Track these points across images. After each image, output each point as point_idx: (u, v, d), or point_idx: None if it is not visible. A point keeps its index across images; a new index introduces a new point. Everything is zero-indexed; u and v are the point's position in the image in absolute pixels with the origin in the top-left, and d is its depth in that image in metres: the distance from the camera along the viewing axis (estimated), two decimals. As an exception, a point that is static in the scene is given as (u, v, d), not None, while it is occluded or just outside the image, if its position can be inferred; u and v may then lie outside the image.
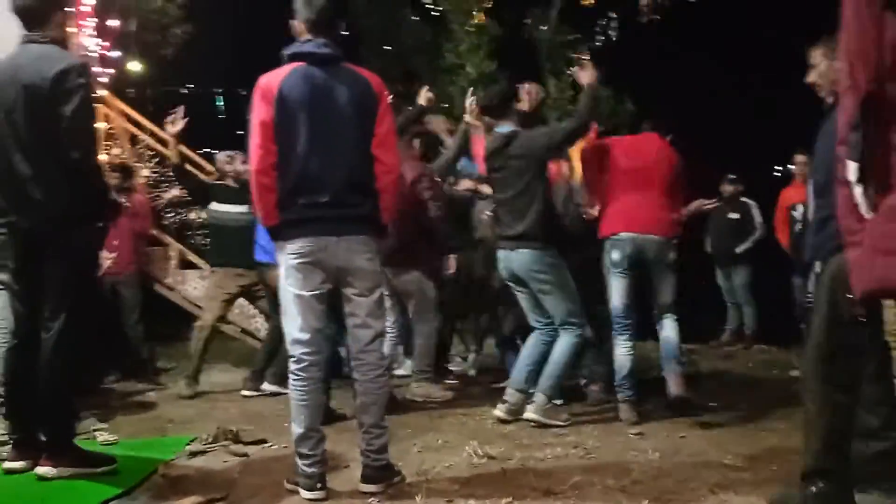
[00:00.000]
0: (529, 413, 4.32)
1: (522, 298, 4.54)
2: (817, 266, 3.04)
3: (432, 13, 13.53)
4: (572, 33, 13.56)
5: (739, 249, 7.86)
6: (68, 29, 3.58)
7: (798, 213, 6.30)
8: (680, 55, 14.32)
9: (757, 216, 7.90)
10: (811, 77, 3.13)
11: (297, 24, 3.25)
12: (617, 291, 4.56)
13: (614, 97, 12.60)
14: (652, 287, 4.67)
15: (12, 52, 3.38)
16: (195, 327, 5.86)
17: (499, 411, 4.42)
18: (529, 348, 4.50)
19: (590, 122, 4.51)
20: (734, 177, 8.09)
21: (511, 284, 4.56)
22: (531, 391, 4.39)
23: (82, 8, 7.65)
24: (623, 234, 4.52)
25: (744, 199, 8.04)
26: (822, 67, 3.07)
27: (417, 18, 14.91)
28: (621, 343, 4.54)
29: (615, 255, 4.53)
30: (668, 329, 4.62)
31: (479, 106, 4.97)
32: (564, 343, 4.36)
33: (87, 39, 8.00)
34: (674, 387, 4.53)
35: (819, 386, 2.81)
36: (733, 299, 8.06)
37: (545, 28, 13.40)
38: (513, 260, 4.41)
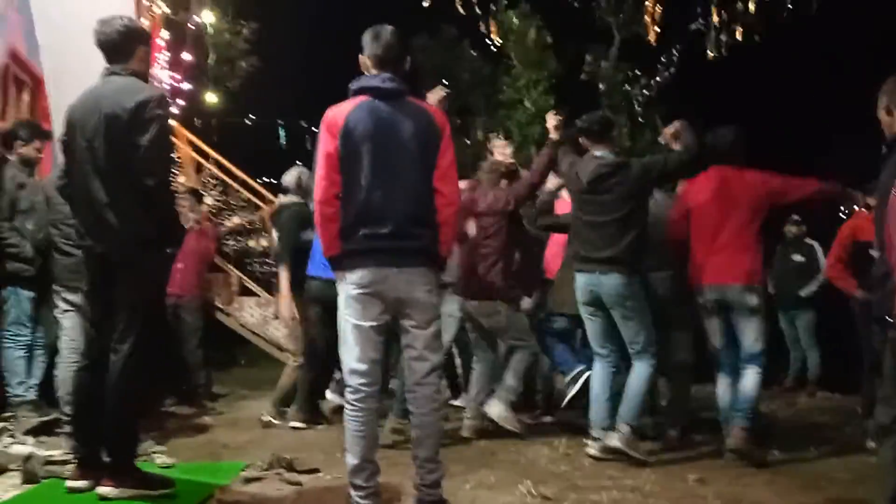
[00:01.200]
0: (614, 442, 4.29)
1: (593, 324, 4.52)
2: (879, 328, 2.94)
3: (492, 48, 13.68)
4: (632, 69, 13.54)
5: (804, 293, 7.65)
6: (149, 63, 3.71)
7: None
8: (742, 91, 14.13)
9: (822, 258, 7.67)
10: (879, 115, 3.05)
11: (365, 59, 3.31)
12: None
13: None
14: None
15: (95, 83, 3.52)
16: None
17: (592, 449, 4.40)
18: (600, 383, 4.49)
19: (697, 154, 4.50)
20: (798, 218, 7.90)
21: (585, 308, 4.54)
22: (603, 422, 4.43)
23: (157, 41, 7.96)
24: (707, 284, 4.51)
25: (808, 240, 7.84)
26: (885, 107, 2.98)
27: (476, 53, 15.08)
28: (722, 379, 4.55)
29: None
30: (747, 380, 4.46)
31: (579, 128, 4.85)
32: (642, 372, 4.37)
33: (160, 72, 8.30)
34: (734, 439, 4.38)
35: (891, 441, 2.71)
36: (796, 344, 7.83)
37: (605, 64, 13.40)
38: (602, 283, 4.39)
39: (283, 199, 5.86)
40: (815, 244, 7.79)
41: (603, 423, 4.41)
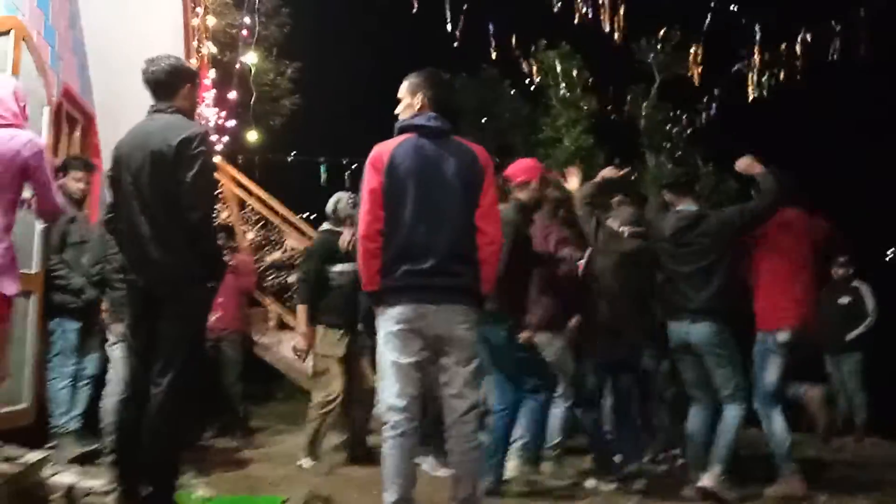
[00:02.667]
0: (706, 482, 4.32)
1: (687, 368, 4.59)
2: None
3: (531, 88, 13.77)
4: (672, 110, 13.51)
5: (850, 336, 7.45)
6: (194, 100, 3.79)
7: None
8: (783, 131, 14.00)
9: (870, 301, 7.49)
10: None
11: (418, 98, 3.34)
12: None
13: (716, 174, 12.41)
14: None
15: (142, 121, 3.62)
16: None
17: (688, 491, 4.45)
18: (698, 425, 4.55)
19: (776, 200, 4.52)
20: (844, 259, 7.73)
21: (678, 356, 4.64)
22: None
23: (204, 81, 8.17)
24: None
25: (855, 283, 7.65)
26: None
27: (515, 92, 15.20)
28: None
29: None
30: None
31: (664, 183, 5.08)
32: (732, 417, 4.41)
33: (207, 110, 8.51)
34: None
35: None
36: (843, 388, 7.60)
37: (645, 104, 13.41)
38: (692, 332, 4.46)
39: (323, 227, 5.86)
40: (863, 286, 7.61)
41: (700, 462, 4.47)
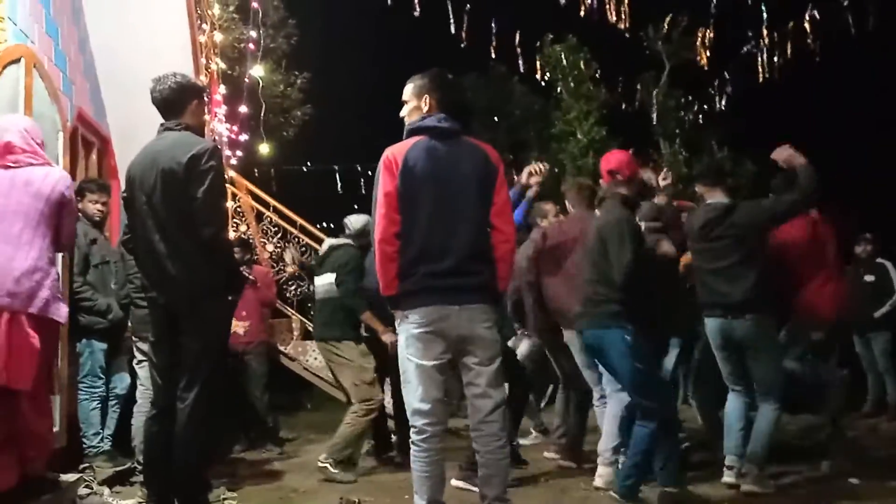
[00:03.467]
0: (747, 486, 4.25)
1: (726, 364, 4.50)
2: None
3: (541, 83, 13.73)
4: (683, 96, 13.41)
5: (878, 314, 7.35)
6: (202, 116, 3.81)
7: None
8: (797, 111, 13.85)
9: (895, 277, 7.39)
10: None
11: (427, 100, 3.32)
12: None
13: (733, 158, 12.30)
14: None
15: (152, 140, 3.64)
16: None
17: (728, 478, 4.38)
18: (735, 415, 4.47)
19: (813, 195, 4.39)
20: (869, 236, 7.63)
21: (719, 352, 4.51)
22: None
23: (215, 97, 8.23)
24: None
25: (880, 259, 7.55)
26: None
27: (526, 88, 15.16)
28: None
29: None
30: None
31: (695, 174, 5.01)
32: (767, 413, 4.34)
33: (218, 125, 8.57)
34: None
35: None
36: (873, 368, 7.51)
37: (655, 91, 13.32)
38: (735, 328, 4.34)
39: (332, 240, 5.80)
40: (888, 263, 7.50)
41: (737, 450, 4.40)
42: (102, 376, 5.04)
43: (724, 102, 12.49)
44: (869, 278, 7.45)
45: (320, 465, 5.07)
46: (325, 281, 5.47)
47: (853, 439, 5.93)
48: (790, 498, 4.11)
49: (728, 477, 4.39)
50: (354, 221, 5.64)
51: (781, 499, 4.18)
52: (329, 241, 5.81)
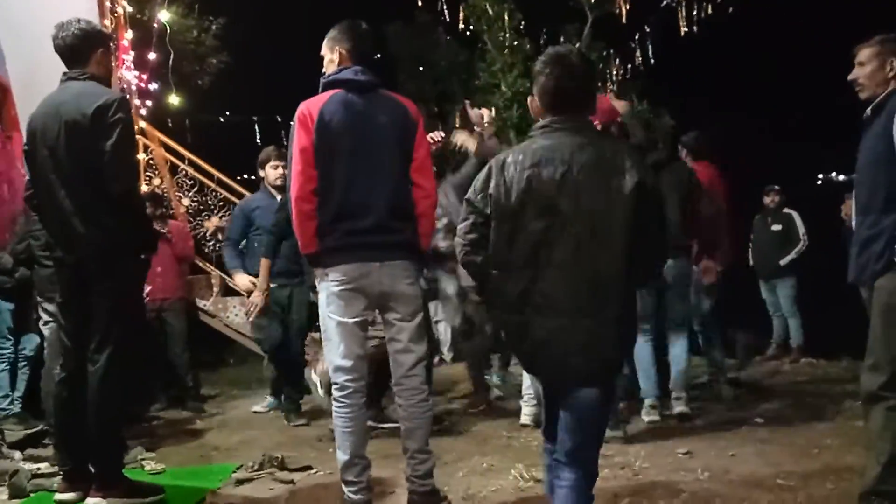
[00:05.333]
0: (681, 408, 4.78)
1: (644, 302, 4.63)
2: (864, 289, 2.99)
3: (466, 33, 13.58)
4: (606, 48, 13.50)
5: (783, 262, 7.71)
6: (109, 65, 3.63)
7: None
8: (716, 66, 14.17)
9: (800, 227, 7.75)
10: (855, 75, 3.07)
11: (338, 52, 3.26)
12: None
13: (651, 111, 12.51)
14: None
15: (55, 90, 3.46)
16: None
17: (648, 416, 4.76)
18: (649, 358, 4.81)
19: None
20: (776, 187, 7.96)
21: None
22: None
23: (122, 43, 7.84)
24: None
25: (786, 209, 7.89)
26: (871, 68, 3.01)
27: (450, 38, 14.99)
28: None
29: None
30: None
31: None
32: (684, 343, 4.88)
33: (126, 73, 8.19)
34: None
35: (880, 408, 2.76)
36: (778, 312, 7.89)
37: (578, 44, 13.37)
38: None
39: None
40: (794, 213, 7.85)
41: (655, 391, 4.80)
42: (10, 338, 4.86)
43: (644, 55, 12.64)
44: (776, 227, 7.79)
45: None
46: None
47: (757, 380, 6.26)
48: (693, 443, 4.30)
49: (651, 415, 4.74)
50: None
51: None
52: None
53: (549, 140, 2.33)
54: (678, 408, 4.78)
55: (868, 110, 3.01)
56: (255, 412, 5.89)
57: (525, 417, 4.77)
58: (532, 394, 4.66)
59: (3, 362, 4.84)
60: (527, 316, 2.27)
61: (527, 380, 4.71)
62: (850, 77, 3.10)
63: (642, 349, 4.73)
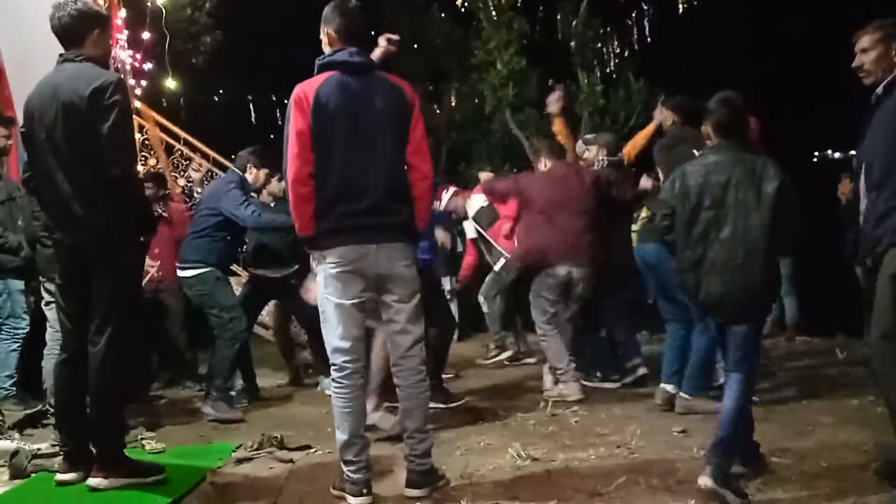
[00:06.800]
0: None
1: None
2: (869, 260, 3.03)
3: (461, 11, 13.49)
4: (602, 27, 13.42)
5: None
6: (105, 46, 3.59)
7: None
8: (713, 45, 14.10)
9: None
10: (860, 62, 3.12)
11: (329, 33, 3.25)
12: None
13: (648, 89, 12.47)
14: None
15: (51, 72, 3.43)
16: None
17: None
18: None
19: None
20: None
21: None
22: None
23: (116, 22, 7.77)
24: None
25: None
26: (876, 53, 3.06)
27: (445, 16, 14.89)
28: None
29: None
30: None
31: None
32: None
33: (120, 52, 8.13)
34: None
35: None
36: (775, 291, 7.91)
37: (575, 22, 13.29)
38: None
39: None
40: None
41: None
42: (25, 317, 4.86)
43: (641, 34, 12.61)
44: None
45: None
46: None
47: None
48: (688, 422, 4.34)
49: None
50: None
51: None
52: None
53: (718, 156, 3.29)
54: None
55: (879, 89, 3.07)
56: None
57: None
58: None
59: (17, 342, 4.85)
60: (700, 275, 3.23)
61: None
62: (854, 64, 3.16)
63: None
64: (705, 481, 3.01)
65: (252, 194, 5.42)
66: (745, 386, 3.22)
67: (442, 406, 4.72)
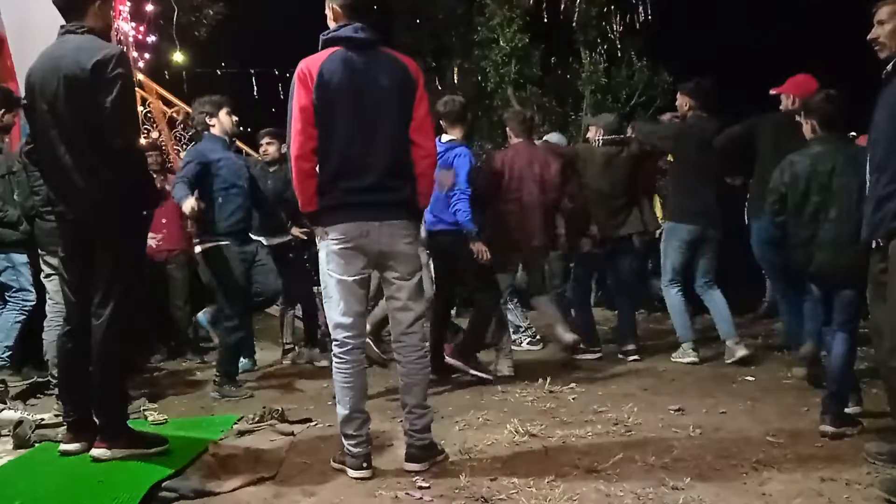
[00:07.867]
0: (742, 351, 5.31)
1: (684, 259, 5.52)
2: (874, 243, 3.04)
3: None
4: (606, 5, 13.33)
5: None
6: (107, 18, 3.56)
7: None
8: (718, 24, 13.98)
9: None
10: (876, 34, 3.05)
11: (334, 8, 3.25)
12: None
13: (651, 68, 12.41)
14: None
15: (53, 44, 3.41)
16: None
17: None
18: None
19: None
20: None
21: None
22: None
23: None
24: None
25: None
26: (892, 26, 3.00)
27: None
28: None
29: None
30: None
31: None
32: (720, 295, 5.54)
33: (123, 24, 8.09)
34: None
35: None
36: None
37: (578, 0, 13.19)
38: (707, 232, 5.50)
39: None
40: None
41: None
42: (32, 290, 4.89)
43: (644, 12, 12.52)
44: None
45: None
46: None
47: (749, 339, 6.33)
48: (684, 400, 4.39)
49: (690, 356, 5.37)
50: None
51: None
52: None
53: (822, 147, 3.77)
54: (740, 352, 5.24)
55: (889, 66, 3.00)
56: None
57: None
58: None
59: (24, 315, 4.88)
60: (811, 251, 3.76)
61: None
62: (869, 36, 3.07)
63: (674, 297, 5.42)
64: (826, 428, 3.54)
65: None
66: (851, 344, 3.67)
67: (472, 372, 4.96)
